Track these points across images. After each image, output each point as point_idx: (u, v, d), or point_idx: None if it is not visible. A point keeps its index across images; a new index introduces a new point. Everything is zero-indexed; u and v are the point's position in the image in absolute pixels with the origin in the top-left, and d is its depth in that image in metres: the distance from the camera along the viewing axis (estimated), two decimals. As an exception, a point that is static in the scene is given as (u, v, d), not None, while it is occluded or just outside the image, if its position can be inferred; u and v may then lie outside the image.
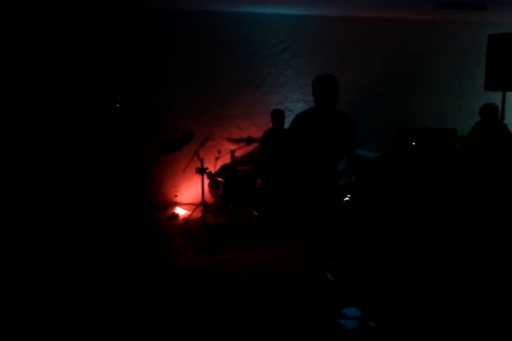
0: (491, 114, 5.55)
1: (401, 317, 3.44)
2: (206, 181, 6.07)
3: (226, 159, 6.16)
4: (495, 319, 3.40)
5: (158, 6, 5.93)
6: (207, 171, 5.93)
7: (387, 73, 6.85)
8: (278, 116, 6.02)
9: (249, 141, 6.03)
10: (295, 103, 6.70)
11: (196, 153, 5.88)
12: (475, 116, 5.66)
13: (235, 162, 6.01)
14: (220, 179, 5.81)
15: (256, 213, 5.66)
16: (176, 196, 6.41)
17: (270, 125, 6.12)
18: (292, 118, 3.80)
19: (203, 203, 5.93)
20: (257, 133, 6.34)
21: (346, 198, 5.58)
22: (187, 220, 5.93)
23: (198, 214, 5.96)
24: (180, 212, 6.28)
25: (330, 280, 3.83)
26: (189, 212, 6.09)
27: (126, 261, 4.45)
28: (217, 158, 6.12)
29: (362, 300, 3.64)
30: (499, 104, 5.37)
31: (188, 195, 6.44)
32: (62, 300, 3.63)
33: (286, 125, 4.51)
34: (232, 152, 5.96)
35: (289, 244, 4.96)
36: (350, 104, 4.10)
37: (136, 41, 6.01)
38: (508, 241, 4.66)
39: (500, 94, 5.35)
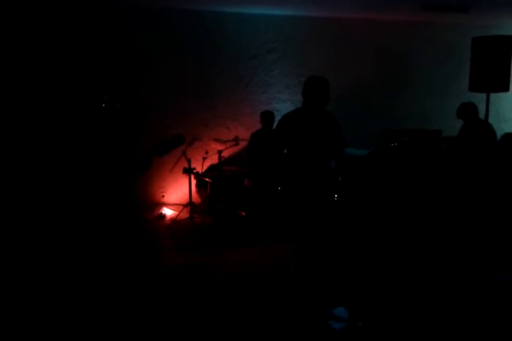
0: (472, 113, 5.59)
1: (388, 316, 3.48)
2: (193, 181, 6.06)
3: (213, 159, 6.16)
4: (481, 318, 3.45)
5: (146, 5, 5.90)
6: (194, 171, 5.91)
7: (373, 74, 6.91)
8: (267, 117, 6.03)
9: (236, 141, 6.04)
10: (282, 103, 6.72)
11: (183, 153, 5.86)
12: (460, 116, 5.75)
13: (223, 162, 6.01)
14: (207, 179, 5.80)
15: (244, 213, 5.66)
16: (163, 196, 6.38)
17: (258, 125, 6.13)
18: (279, 118, 3.81)
19: (190, 203, 5.92)
20: (245, 133, 6.35)
21: (334, 198, 5.61)
22: (174, 220, 5.91)
23: (185, 214, 5.95)
24: (168, 212, 6.26)
25: (322, 280, 3.84)
26: (176, 213, 6.07)
27: (112, 262, 4.42)
28: (204, 159, 6.11)
29: (349, 300, 3.67)
30: (483, 105, 5.44)
31: (175, 196, 6.42)
32: (52, 301, 3.61)
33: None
34: (220, 152, 5.96)
35: (277, 244, 4.97)
36: (335, 105, 4.12)
37: (124, 40, 5.97)
38: (493, 240, 4.73)
39: (484, 95, 5.44)
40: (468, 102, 5.68)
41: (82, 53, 5.73)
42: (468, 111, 5.63)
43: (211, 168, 6.30)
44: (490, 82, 5.25)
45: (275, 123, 5.89)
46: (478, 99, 5.60)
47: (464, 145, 5.53)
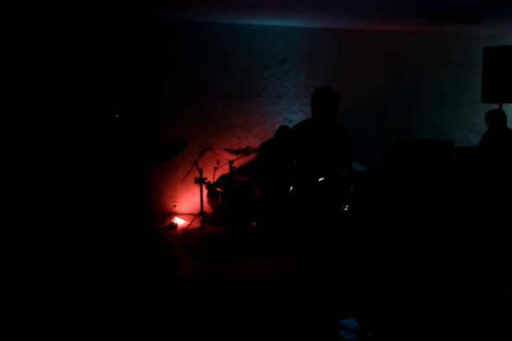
0: (498, 120, 5.35)
1: (399, 327, 3.45)
2: (205, 191, 6.08)
3: (225, 169, 6.19)
4: (491, 329, 3.40)
5: (157, 17, 6.00)
6: (206, 181, 5.94)
7: (385, 85, 6.91)
8: (283, 133, 6.02)
9: (247, 151, 6.06)
10: (294, 114, 6.75)
11: (195, 163, 5.90)
12: (472, 127, 5.71)
13: (234, 172, 6.03)
14: (218, 189, 5.82)
15: (255, 223, 5.67)
16: (174, 206, 6.41)
17: (269, 135, 6.17)
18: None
19: (201, 213, 5.94)
20: (256, 143, 6.38)
21: (345, 208, 5.60)
22: (185, 230, 5.93)
23: (196, 224, 5.97)
24: (179, 222, 6.28)
25: (334, 291, 3.82)
26: (188, 222, 6.09)
27: (124, 270, 4.45)
28: (216, 168, 6.15)
29: (360, 311, 3.65)
30: (495, 116, 5.40)
31: (186, 205, 6.45)
32: (64, 305, 3.64)
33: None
34: (231, 162, 5.99)
35: (288, 255, 4.96)
36: (347, 116, 4.14)
37: (137, 52, 6.06)
38: (504, 251, 4.68)
39: (496, 106, 5.42)
40: (496, 109, 5.42)
41: (97, 65, 5.82)
42: (494, 118, 5.36)
43: (222, 177, 6.32)
44: (502, 93, 5.25)
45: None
46: (491, 109, 5.58)
47: (483, 153, 5.38)
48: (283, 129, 6.06)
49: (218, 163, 6.16)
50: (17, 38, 5.50)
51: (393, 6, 5.15)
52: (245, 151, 5.96)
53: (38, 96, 5.56)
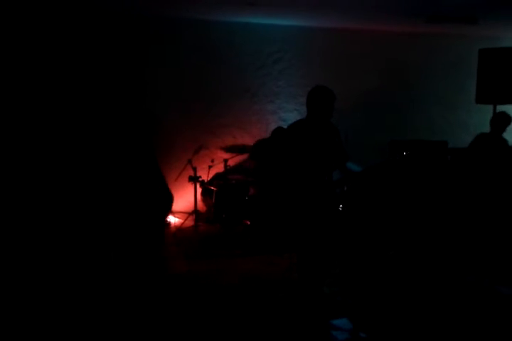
0: (498, 124, 5.21)
1: (392, 328, 3.45)
2: (199, 190, 6.07)
3: (219, 168, 6.17)
4: (486, 331, 3.42)
5: (153, 15, 5.97)
6: (200, 180, 5.93)
7: (380, 85, 6.92)
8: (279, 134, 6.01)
9: (242, 150, 6.04)
10: (289, 113, 6.74)
11: (189, 161, 5.89)
12: (467, 128, 5.72)
13: (228, 171, 6.02)
14: (212, 188, 5.81)
15: (249, 222, 5.66)
16: (168, 204, 6.39)
17: (264, 134, 6.15)
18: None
19: (195, 212, 5.93)
20: (251, 142, 6.35)
21: (339, 208, 5.59)
22: (179, 228, 5.92)
23: (190, 222, 5.95)
24: (173, 220, 6.26)
25: (325, 292, 3.82)
26: (181, 221, 6.08)
27: (116, 269, 4.43)
28: (210, 167, 6.13)
29: (352, 311, 3.65)
30: (490, 117, 5.41)
31: (180, 204, 6.42)
32: (56, 305, 3.62)
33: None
34: (226, 161, 5.97)
35: (281, 254, 4.96)
36: (341, 116, 4.12)
37: (131, 50, 6.03)
38: (498, 252, 4.69)
39: (491, 107, 5.44)
40: (501, 112, 5.26)
41: (90, 64, 5.78)
42: (496, 121, 5.22)
43: (217, 176, 6.31)
44: (497, 94, 5.27)
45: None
46: (485, 111, 5.60)
47: (473, 157, 5.39)
48: (279, 130, 6.04)
49: (213, 161, 6.14)
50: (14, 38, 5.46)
51: (391, 5, 5.16)
52: (240, 150, 5.94)
53: (27, 93, 5.52)
